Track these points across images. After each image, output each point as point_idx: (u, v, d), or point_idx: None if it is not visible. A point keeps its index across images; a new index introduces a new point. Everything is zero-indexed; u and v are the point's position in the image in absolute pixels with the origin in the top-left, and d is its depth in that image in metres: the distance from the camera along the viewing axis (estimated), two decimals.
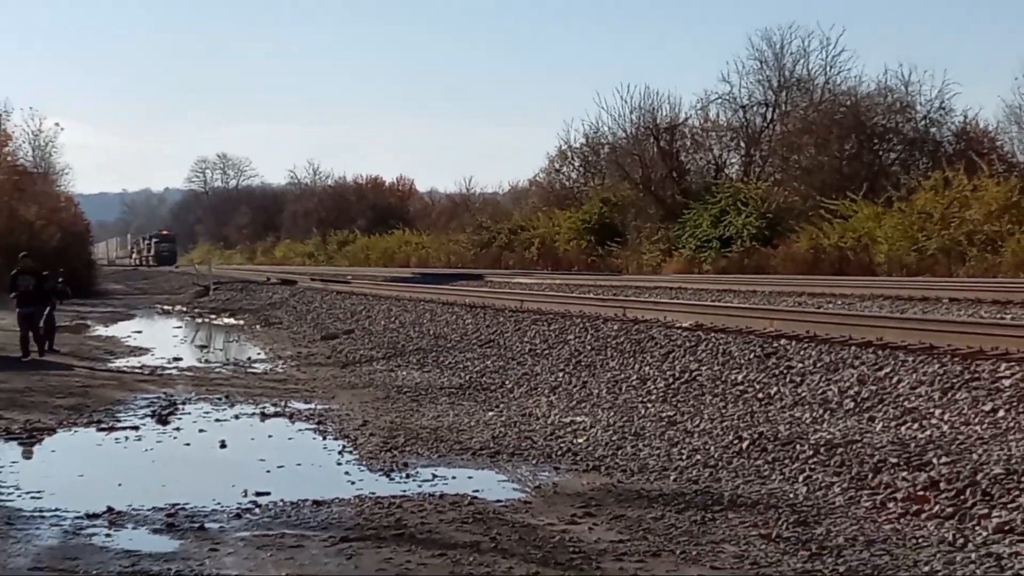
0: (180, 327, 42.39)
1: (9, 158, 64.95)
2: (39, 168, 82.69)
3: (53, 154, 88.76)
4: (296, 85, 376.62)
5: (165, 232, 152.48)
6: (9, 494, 12.11)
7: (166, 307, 55.23)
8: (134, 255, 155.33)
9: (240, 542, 10.06)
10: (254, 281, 66.11)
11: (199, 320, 45.63)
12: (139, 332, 37.52)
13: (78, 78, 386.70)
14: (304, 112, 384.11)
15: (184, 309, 53.08)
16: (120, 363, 26.87)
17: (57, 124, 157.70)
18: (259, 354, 29.04)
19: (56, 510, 11.27)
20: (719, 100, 67.83)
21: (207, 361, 27.50)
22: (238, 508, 11.40)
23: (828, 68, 65.49)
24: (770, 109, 67.02)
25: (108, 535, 10.36)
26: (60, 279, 29.97)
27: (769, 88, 67.05)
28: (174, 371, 24.86)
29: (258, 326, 39.90)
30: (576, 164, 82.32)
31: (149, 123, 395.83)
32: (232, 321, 43.83)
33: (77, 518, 10.94)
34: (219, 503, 11.58)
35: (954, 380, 13.47)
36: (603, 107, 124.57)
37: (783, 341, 17.55)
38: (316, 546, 9.86)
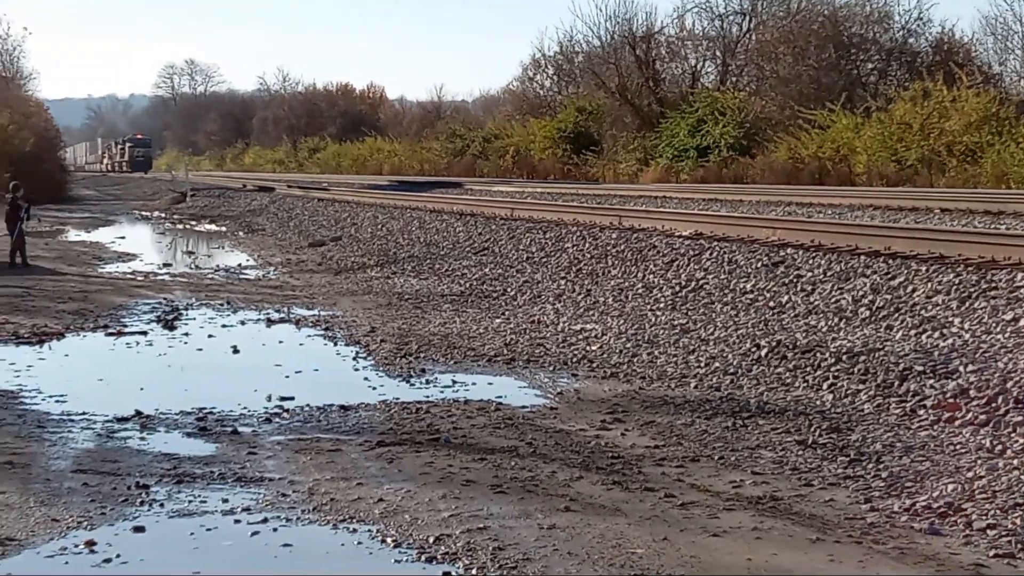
0: (163, 233, 42.22)
1: None
2: (7, 73, 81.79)
3: (21, 59, 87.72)
4: None
5: (140, 136, 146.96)
6: (33, 398, 12.13)
7: (144, 213, 54.92)
8: (105, 160, 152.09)
9: (277, 446, 10.11)
10: (229, 188, 65.78)
11: (180, 226, 45.38)
12: (122, 238, 37.32)
13: None
14: (273, 18, 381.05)
15: (162, 215, 52.78)
16: (111, 268, 26.79)
17: (25, 28, 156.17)
18: (248, 260, 28.96)
19: (84, 413, 11.30)
20: (695, 9, 67.52)
21: (197, 267, 27.39)
22: (266, 412, 11.45)
23: None
24: (747, 18, 66.71)
25: (142, 438, 10.40)
26: (27, 206, 27.36)
27: None
28: (167, 277, 24.79)
29: (241, 233, 39.73)
30: (550, 73, 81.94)
31: (115, 27, 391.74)
32: (214, 228, 43.60)
33: (107, 422, 10.98)
34: (245, 408, 11.62)
35: (971, 289, 13.54)
36: (578, 15, 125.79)
37: (789, 250, 17.60)
38: (354, 450, 9.92)
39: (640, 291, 18.10)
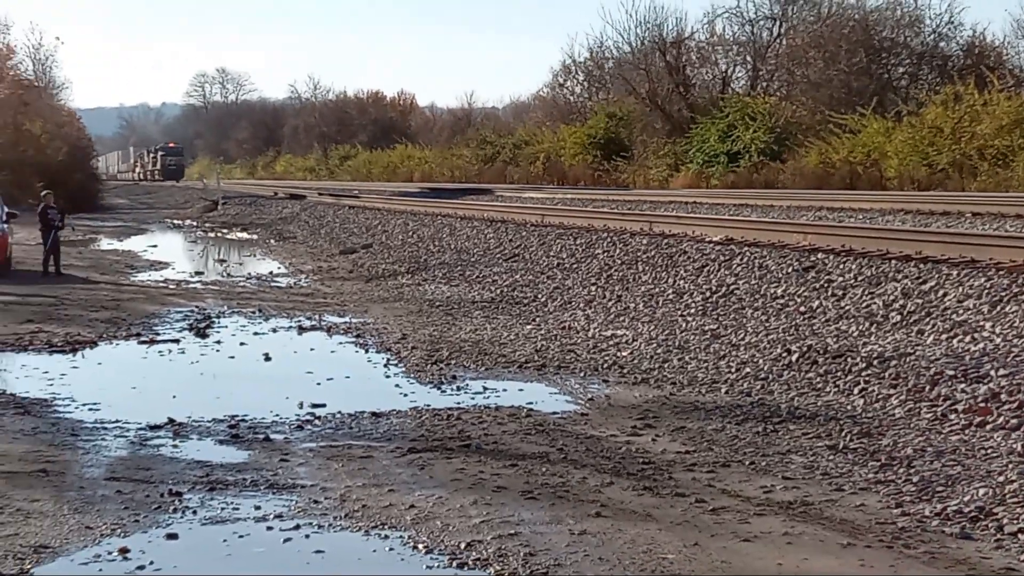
0: (194, 242, 42.42)
1: (13, 72, 64.67)
2: (40, 82, 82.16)
3: (54, 68, 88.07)
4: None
5: (172, 144, 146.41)
6: (67, 406, 12.20)
7: (176, 221, 55.18)
8: (137, 169, 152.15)
9: (309, 453, 10.16)
10: (261, 196, 65.92)
11: (212, 235, 45.59)
12: (154, 246, 37.52)
13: None
14: (304, 26, 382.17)
15: (194, 224, 53.02)
16: (143, 277, 26.94)
17: (57, 38, 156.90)
18: (279, 268, 29.10)
19: (117, 421, 11.37)
20: (726, 14, 67.42)
21: (229, 275, 27.48)
22: (298, 420, 11.50)
23: None
24: (777, 23, 66.60)
25: (175, 446, 10.46)
26: (61, 215, 27.24)
27: (776, 2, 66.59)
28: (199, 285, 24.91)
29: (272, 241, 39.90)
30: (580, 79, 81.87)
31: (146, 35, 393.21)
32: (245, 236, 43.80)
33: (140, 429, 11.04)
34: (277, 415, 11.68)
35: (1002, 293, 13.50)
36: (608, 21, 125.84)
37: (820, 255, 17.56)
38: (385, 457, 9.96)
39: (671, 297, 18.10)
